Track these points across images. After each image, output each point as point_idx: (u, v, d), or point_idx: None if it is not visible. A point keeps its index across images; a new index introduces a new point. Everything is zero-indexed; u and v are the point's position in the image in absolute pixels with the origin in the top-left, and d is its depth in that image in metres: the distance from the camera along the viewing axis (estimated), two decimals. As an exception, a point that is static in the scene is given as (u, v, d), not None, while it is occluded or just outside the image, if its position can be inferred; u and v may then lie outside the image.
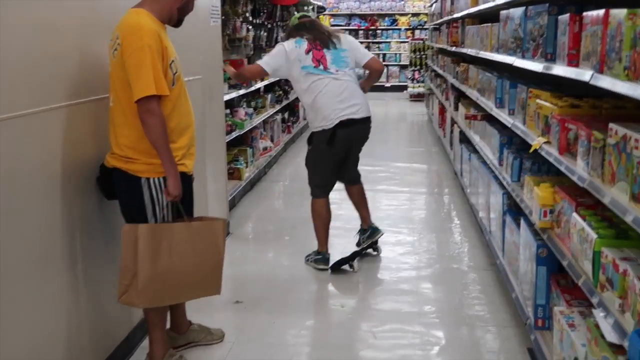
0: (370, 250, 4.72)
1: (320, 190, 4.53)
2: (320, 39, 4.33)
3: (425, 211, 6.12)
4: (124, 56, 2.66)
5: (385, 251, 4.76)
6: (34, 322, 2.45)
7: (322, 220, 4.54)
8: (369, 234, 4.70)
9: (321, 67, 4.27)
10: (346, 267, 4.42)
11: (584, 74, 2.39)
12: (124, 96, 2.72)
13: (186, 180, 2.92)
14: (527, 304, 3.19)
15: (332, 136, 4.25)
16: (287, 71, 4.34)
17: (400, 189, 6.80)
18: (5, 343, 2.26)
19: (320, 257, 4.50)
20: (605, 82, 2.16)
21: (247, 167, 6.57)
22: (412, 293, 4.11)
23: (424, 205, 6.32)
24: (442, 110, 9.15)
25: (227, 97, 5.82)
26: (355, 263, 4.46)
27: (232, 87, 6.23)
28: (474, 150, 5.45)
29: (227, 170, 5.81)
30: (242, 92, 6.44)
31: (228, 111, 6.19)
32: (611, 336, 1.98)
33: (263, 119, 7.51)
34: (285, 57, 4.30)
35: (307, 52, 4.27)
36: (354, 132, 4.35)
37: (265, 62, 4.38)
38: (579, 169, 2.50)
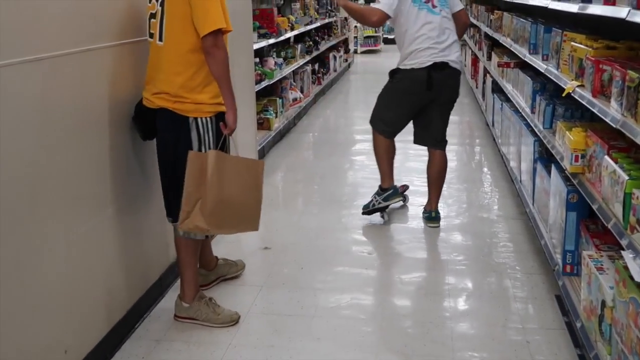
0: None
1: (387, 129, 4.34)
2: None
3: (456, 162, 6.06)
4: None
5: (415, 201, 4.74)
6: (68, 260, 2.52)
7: (387, 152, 4.38)
8: (427, 216, 4.37)
9: (430, 3, 4.10)
10: (377, 215, 4.43)
11: (621, 11, 2.31)
12: (184, 33, 2.75)
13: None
14: (555, 251, 3.16)
15: (428, 77, 4.07)
16: (398, 7, 4.09)
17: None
18: (39, 280, 2.32)
19: (391, 192, 4.38)
20: (643, 18, 2.09)
21: (276, 117, 6.56)
22: (440, 241, 4.10)
23: (455, 156, 6.25)
24: (475, 60, 8.98)
25: (256, 47, 5.78)
26: (386, 214, 4.46)
27: (262, 36, 6.18)
28: (506, 99, 5.36)
29: (256, 120, 5.83)
30: (271, 41, 6.39)
31: (257, 60, 6.15)
32: (640, 277, 1.95)
33: (293, 69, 7.46)
34: None
35: None
36: (447, 77, 4.15)
37: (386, 2, 4.07)
38: (612, 110, 2.43)
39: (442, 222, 4.34)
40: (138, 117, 2.97)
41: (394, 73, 4.26)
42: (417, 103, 4.22)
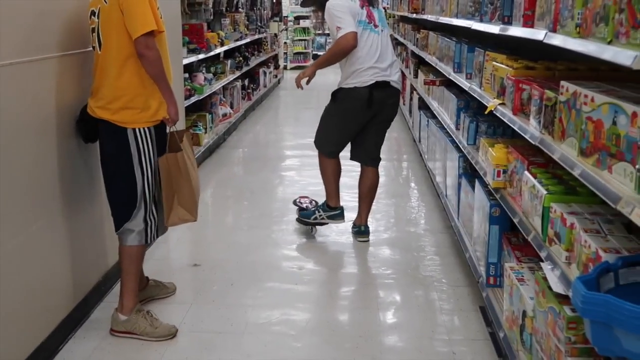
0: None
1: (334, 149, 4.36)
2: None
3: (384, 177, 6.12)
4: None
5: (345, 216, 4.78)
6: (16, 264, 2.50)
7: (334, 173, 4.39)
8: (356, 231, 4.43)
9: (372, 24, 4.14)
10: (308, 228, 4.47)
11: (538, 34, 2.42)
12: (118, 40, 2.81)
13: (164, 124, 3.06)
14: (479, 263, 3.26)
15: (369, 96, 4.11)
16: None
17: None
18: None
19: (338, 213, 4.39)
20: (558, 40, 2.19)
21: (206, 132, 6.52)
22: (369, 255, 4.16)
23: (383, 171, 6.31)
24: (402, 78, 9.17)
25: (185, 62, 5.73)
26: (315, 228, 4.49)
27: (191, 51, 6.14)
28: (432, 116, 5.50)
29: (185, 136, 5.76)
30: (201, 56, 6.35)
31: (187, 75, 6.11)
32: (557, 287, 2.03)
33: (222, 84, 7.44)
34: (349, 11, 4.06)
35: (361, 7, 4.12)
36: (388, 97, 4.20)
37: (347, 24, 4.00)
38: (531, 127, 2.54)
39: (371, 237, 4.40)
40: (81, 120, 3.03)
41: (336, 93, 4.26)
42: (361, 121, 4.25)
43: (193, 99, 6.06)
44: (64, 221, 3.01)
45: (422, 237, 4.47)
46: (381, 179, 5.98)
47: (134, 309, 3.06)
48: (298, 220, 4.51)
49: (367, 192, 4.43)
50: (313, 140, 4.47)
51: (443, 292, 3.58)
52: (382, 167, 6.40)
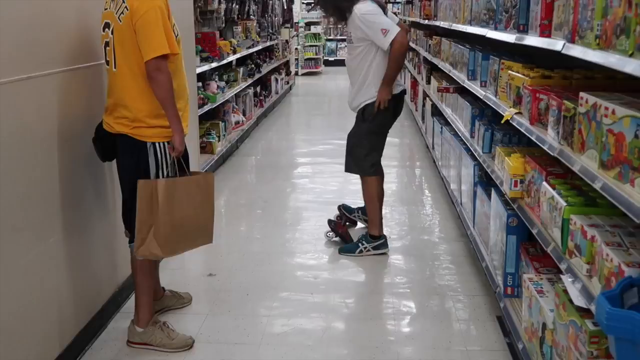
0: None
1: (376, 167, 4.26)
2: (380, 3, 4.18)
3: (397, 184, 6.15)
4: (135, 17, 2.72)
5: (358, 224, 4.77)
6: (7, 292, 2.44)
7: (381, 200, 4.27)
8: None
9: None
10: (322, 238, 4.47)
11: (556, 44, 2.40)
12: (134, 59, 2.78)
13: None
14: (496, 273, 3.24)
15: (395, 104, 4.17)
16: None
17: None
18: None
19: (382, 242, 4.25)
20: (577, 52, 2.18)
21: (219, 141, 6.53)
22: (384, 264, 4.14)
23: (396, 178, 6.35)
24: (414, 84, 9.17)
25: (199, 70, 5.75)
26: (331, 233, 4.52)
27: (204, 60, 6.16)
28: (445, 123, 5.48)
29: (199, 144, 5.79)
30: (214, 65, 6.37)
31: (200, 84, 6.12)
32: (579, 300, 2.02)
33: (235, 92, 7.45)
34: (382, 14, 4.08)
35: (382, 14, 4.12)
36: (402, 102, 4.31)
37: (391, 25, 3.97)
38: (549, 138, 2.52)
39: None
40: (98, 138, 2.99)
41: (364, 111, 4.16)
42: (389, 131, 4.30)
43: (206, 108, 6.08)
44: (77, 235, 3.01)
45: (437, 245, 4.45)
46: (394, 185, 6.03)
47: (150, 321, 3.07)
48: (341, 252, 4.31)
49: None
50: (346, 169, 4.33)
51: (459, 302, 3.56)
52: (394, 174, 6.44)
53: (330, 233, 4.53)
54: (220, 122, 6.69)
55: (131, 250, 3.04)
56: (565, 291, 2.15)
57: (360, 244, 4.26)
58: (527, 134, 2.81)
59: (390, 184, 6.11)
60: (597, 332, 1.91)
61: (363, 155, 4.23)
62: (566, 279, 2.15)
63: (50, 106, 2.77)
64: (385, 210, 4.56)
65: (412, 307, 3.56)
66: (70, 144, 2.93)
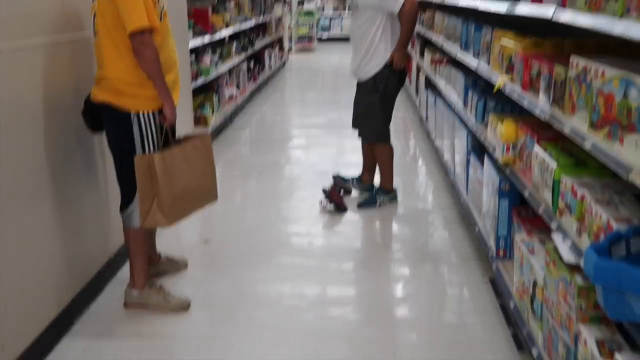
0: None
1: (389, 132, 4.55)
2: None
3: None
4: None
5: (352, 194, 4.83)
6: (13, 253, 2.50)
7: (392, 157, 4.59)
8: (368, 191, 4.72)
9: None
10: (317, 206, 4.56)
11: (547, 10, 2.44)
12: (115, 30, 2.77)
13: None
14: (489, 237, 3.31)
15: (403, 69, 4.39)
16: None
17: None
18: None
19: (394, 195, 4.63)
20: (567, 16, 2.22)
21: (213, 114, 6.54)
22: (378, 231, 4.21)
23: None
24: (408, 58, 9.16)
25: (192, 44, 5.75)
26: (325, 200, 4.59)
27: (197, 34, 6.15)
28: (439, 94, 5.52)
29: (193, 117, 5.80)
30: (207, 39, 6.36)
31: (193, 58, 6.12)
32: (568, 257, 2.08)
33: (228, 67, 7.44)
34: None
35: None
36: (406, 70, 4.53)
37: None
38: (541, 103, 2.57)
39: (378, 214, 4.46)
40: (86, 110, 2.99)
41: (375, 80, 4.33)
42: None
43: (200, 81, 6.08)
44: (70, 203, 3.01)
45: (431, 213, 4.52)
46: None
47: (145, 284, 3.12)
48: (360, 207, 4.56)
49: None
50: (363, 139, 4.63)
51: (452, 266, 3.63)
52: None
53: (325, 201, 4.58)
54: (214, 96, 6.69)
55: (123, 220, 3.07)
56: (556, 249, 2.21)
57: (378, 198, 4.58)
58: (519, 101, 2.86)
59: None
60: (586, 286, 1.97)
61: (379, 124, 4.47)
62: (556, 237, 2.22)
63: (41, 76, 2.76)
64: (379, 180, 4.63)
65: (406, 271, 3.63)
66: (60, 115, 2.92)
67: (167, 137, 2.98)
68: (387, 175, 4.61)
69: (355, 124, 4.61)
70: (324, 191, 4.59)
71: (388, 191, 4.62)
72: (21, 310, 2.61)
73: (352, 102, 4.59)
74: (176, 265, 3.54)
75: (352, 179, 4.81)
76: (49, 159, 2.82)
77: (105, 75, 2.83)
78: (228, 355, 2.77)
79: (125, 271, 3.40)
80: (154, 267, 3.41)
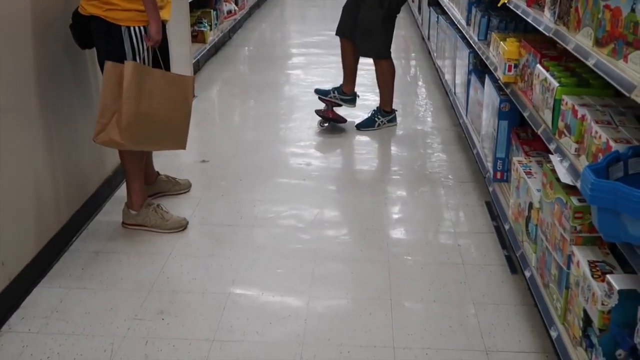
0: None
1: (389, 49, 4.51)
2: None
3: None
4: None
5: (350, 114, 4.76)
6: (11, 170, 2.49)
7: (393, 75, 4.57)
8: (349, 98, 4.64)
9: None
10: (316, 128, 4.51)
11: None
12: None
13: (162, 28, 2.87)
14: (487, 159, 3.28)
15: None
16: None
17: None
18: None
19: (394, 116, 4.61)
20: None
21: (211, 30, 6.39)
22: (376, 153, 4.18)
23: (391, 70, 6.27)
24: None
25: (187, -44, 5.54)
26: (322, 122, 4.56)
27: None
28: (442, 12, 5.37)
29: (190, 33, 5.66)
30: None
31: (189, -30, 5.92)
32: (565, 178, 2.05)
33: (227, -19, 7.22)
34: None
35: None
36: None
37: None
38: (545, 19, 2.48)
39: (377, 135, 4.42)
40: (75, 25, 2.86)
41: None
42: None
43: (197, -5, 5.91)
44: (64, 120, 2.96)
45: (429, 135, 4.48)
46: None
47: (143, 204, 3.11)
48: (359, 128, 4.54)
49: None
50: (361, 53, 4.50)
51: (449, 188, 3.62)
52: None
53: (323, 123, 4.53)
54: (212, 11, 6.51)
55: None
56: (553, 171, 2.18)
57: (376, 119, 4.55)
58: (523, 16, 2.76)
59: (385, 76, 6.05)
60: (582, 207, 1.95)
61: (380, 41, 4.41)
62: (554, 158, 2.18)
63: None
64: (378, 100, 4.57)
65: (404, 193, 3.61)
66: (51, 29, 2.83)
67: (156, 60, 2.87)
68: (387, 96, 4.57)
69: (340, 33, 4.52)
70: (317, 112, 4.52)
71: (387, 112, 4.57)
72: (20, 228, 2.61)
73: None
74: (177, 187, 3.51)
75: (333, 90, 4.63)
76: (41, 74, 2.75)
77: None
78: (225, 274, 2.79)
79: (123, 190, 3.39)
80: (151, 187, 3.39)
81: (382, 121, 4.55)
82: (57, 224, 2.91)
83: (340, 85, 4.60)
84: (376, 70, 4.56)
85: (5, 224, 2.48)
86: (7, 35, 2.49)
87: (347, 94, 4.59)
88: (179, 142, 3.00)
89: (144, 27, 2.79)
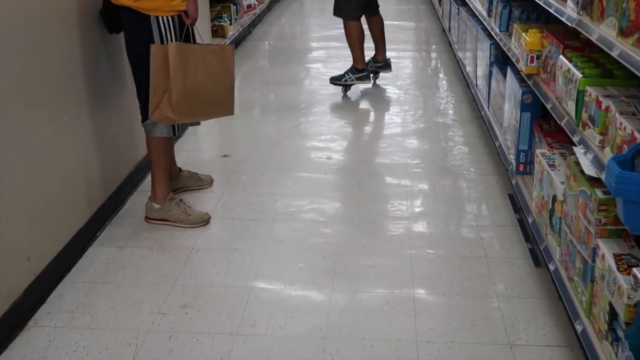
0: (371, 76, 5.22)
1: (357, 13, 4.96)
2: None
3: (412, 68, 6.06)
4: None
5: (371, 107, 4.76)
6: (27, 167, 2.51)
7: (360, 37, 4.97)
8: (382, 64, 5.23)
9: None
10: (338, 120, 4.56)
11: None
12: None
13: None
14: (509, 152, 3.25)
15: None
16: None
17: (387, 46, 6.68)
18: (16, 176, 2.37)
19: (365, 75, 5.03)
20: None
21: (231, 24, 6.40)
22: (397, 145, 4.16)
23: (411, 62, 6.25)
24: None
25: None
26: (347, 91, 4.93)
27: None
28: (463, 4, 5.33)
29: (210, 28, 5.68)
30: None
31: (209, -35, 5.93)
32: (590, 170, 2.03)
33: (246, -25, 7.22)
34: None
35: None
36: None
37: None
38: (568, 9, 2.45)
39: (398, 128, 4.40)
40: (104, 10, 3.00)
41: None
42: None
43: (217, -10, 5.92)
44: (92, 113, 3.03)
45: (451, 127, 4.45)
46: (408, 69, 5.96)
47: (166, 198, 3.14)
48: (332, 82, 5.05)
49: (382, 32, 5.20)
50: (334, 13, 5.04)
51: (471, 181, 3.60)
52: (410, 58, 6.34)
53: (345, 90, 5.03)
54: (232, 5, 6.52)
55: (145, 129, 3.06)
56: (577, 163, 2.15)
57: (346, 75, 5.03)
58: (546, 7, 2.73)
59: (406, 69, 6.02)
60: (606, 200, 1.93)
61: (348, 6, 4.93)
62: (578, 150, 2.15)
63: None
64: (400, 93, 4.55)
65: (425, 186, 3.60)
66: (82, 21, 2.91)
67: (188, 37, 2.97)
68: (355, 54, 4.99)
69: (359, 15, 5.01)
70: (333, 81, 5.00)
71: (358, 70, 4.98)
72: (45, 223, 2.64)
73: None
74: (199, 182, 3.53)
75: (370, 61, 5.20)
76: (71, 66, 2.85)
77: None
78: (247, 268, 2.80)
79: (147, 183, 3.41)
80: (174, 182, 3.41)
81: (350, 77, 4.98)
82: (81, 219, 2.95)
83: (374, 55, 5.23)
84: (344, 29, 5.00)
85: (31, 220, 2.52)
86: (57, 20, 2.66)
87: (380, 60, 5.18)
88: (227, 109, 3.13)
89: (172, 17, 2.88)
